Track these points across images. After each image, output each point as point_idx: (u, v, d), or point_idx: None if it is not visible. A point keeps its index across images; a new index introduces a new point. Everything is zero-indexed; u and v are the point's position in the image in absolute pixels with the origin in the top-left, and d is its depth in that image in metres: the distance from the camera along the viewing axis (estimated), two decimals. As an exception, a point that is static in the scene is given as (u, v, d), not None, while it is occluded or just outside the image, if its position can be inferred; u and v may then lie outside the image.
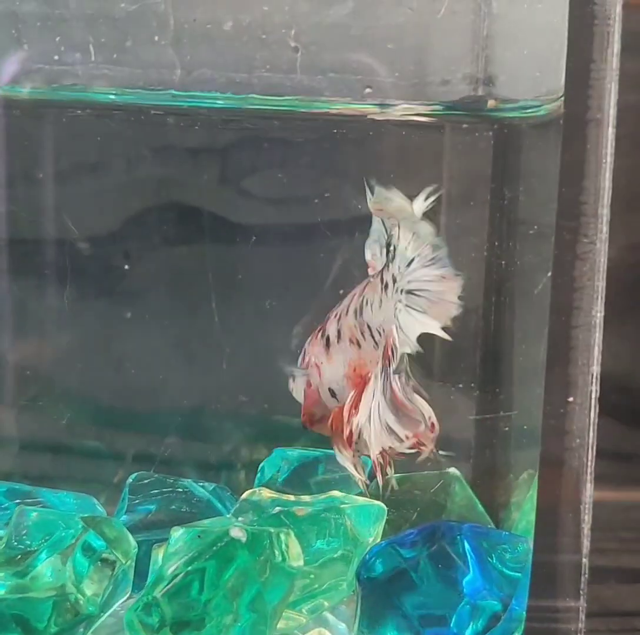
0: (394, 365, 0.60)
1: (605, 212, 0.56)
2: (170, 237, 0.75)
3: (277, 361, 0.66)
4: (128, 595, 0.63)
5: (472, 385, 0.74)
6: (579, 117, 0.55)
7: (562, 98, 0.56)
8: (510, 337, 0.74)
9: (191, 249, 0.76)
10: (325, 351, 0.64)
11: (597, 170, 0.55)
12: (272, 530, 0.60)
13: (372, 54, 0.67)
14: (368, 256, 0.63)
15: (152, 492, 0.69)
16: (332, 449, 0.65)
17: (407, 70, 0.67)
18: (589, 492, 0.58)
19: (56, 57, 0.68)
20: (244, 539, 0.59)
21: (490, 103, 0.69)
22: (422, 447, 0.61)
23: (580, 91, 0.55)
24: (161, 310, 0.77)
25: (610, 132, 0.55)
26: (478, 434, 0.75)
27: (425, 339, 0.73)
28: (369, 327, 0.62)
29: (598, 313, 0.57)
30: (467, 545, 0.61)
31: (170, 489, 0.69)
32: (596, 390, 0.57)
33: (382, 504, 0.65)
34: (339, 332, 0.64)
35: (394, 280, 0.59)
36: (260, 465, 0.72)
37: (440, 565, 0.60)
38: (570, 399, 0.57)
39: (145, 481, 0.69)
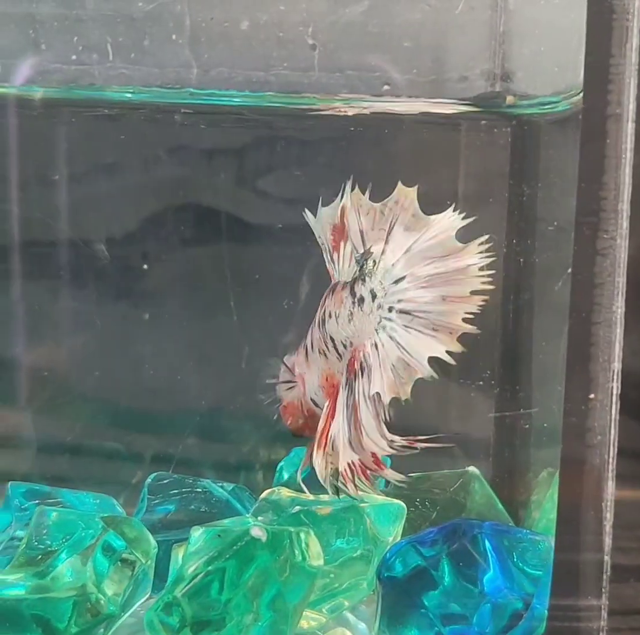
0: (361, 381, 0.58)
1: (625, 207, 0.56)
2: (189, 236, 0.76)
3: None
4: (148, 595, 0.63)
5: (492, 383, 0.74)
6: (599, 112, 0.55)
7: (581, 93, 0.56)
8: (530, 334, 0.73)
9: (209, 249, 0.76)
10: (305, 360, 0.64)
11: (617, 166, 0.55)
12: (292, 529, 0.60)
13: (389, 50, 0.67)
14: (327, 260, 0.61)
15: (171, 492, 0.69)
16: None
17: (424, 66, 0.67)
18: (610, 489, 0.58)
19: (74, 57, 0.68)
20: (264, 539, 0.59)
21: (509, 99, 0.69)
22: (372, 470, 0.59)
23: (600, 86, 0.55)
24: (179, 310, 0.77)
25: (630, 127, 0.55)
26: (498, 432, 0.75)
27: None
28: (332, 339, 0.60)
29: (618, 309, 0.56)
30: (488, 544, 0.60)
31: (189, 489, 0.69)
32: (617, 387, 0.57)
33: (402, 503, 0.65)
34: (312, 341, 0.63)
35: (374, 296, 0.57)
36: (279, 465, 0.72)
37: (461, 564, 0.60)
38: (591, 396, 0.57)
39: (165, 481, 0.69)
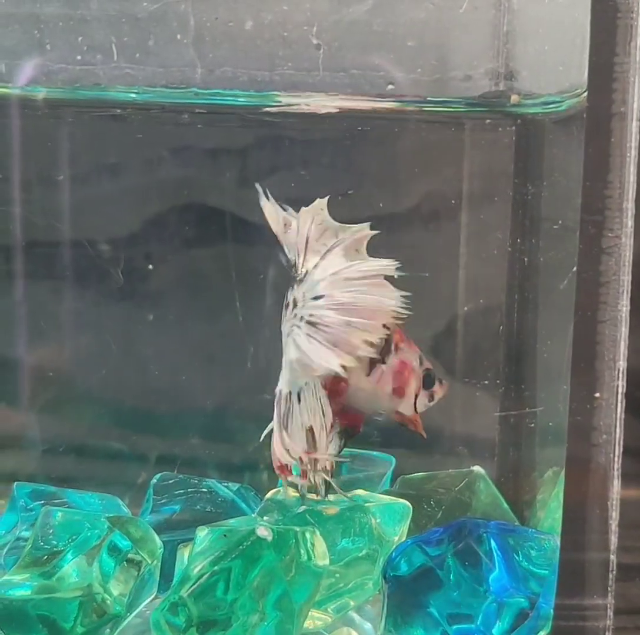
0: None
1: (630, 205, 0.56)
2: (193, 237, 0.76)
3: None
4: (154, 595, 0.63)
5: (497, 382, 0.74)
6: (603, 111, 0.55)
7: (586, 92, 0.56)
8: (535, 333, 0.73)
9: (215, 249, 0.76)
10: None
11: (622, 164, 0.55)
12: (297, 529, 0.60)
13: (394, 50, 0.67)
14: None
15: (176, 492, 0.68)
16: (355, 447, 0.65)
17: (428, 65, 0.67)
18: (616, 488, 0.58)
19: (78, 57, 0.68)
20: (269, 538, 0.59)
21: (513, 98, 0.69)
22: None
23: (604, 85, 0.55)
24: (184, 310, 0.77)
25: (635, 125, 0.55)
26: (503, 431, 0.75)
27: (448, 336, 0.73)
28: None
29: (624, 307, 0.56)
30: (493, 543, 0.60)
31: (194, 489, 0.69)
32: (623, 386, 0.57)
33: (408, 503, 0.65)
34: None
35: (295, 304, 0.59)
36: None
37: (466, 563, 0.60)
38: (597, 394, 0.57)
39: (170, 481, 0.69)
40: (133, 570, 0.61)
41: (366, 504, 0.64)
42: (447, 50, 0.68)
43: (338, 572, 0.62)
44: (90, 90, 0.69)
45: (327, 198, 0.59)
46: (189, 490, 0.68)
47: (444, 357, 0.71)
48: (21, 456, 0.78)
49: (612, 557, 0.58)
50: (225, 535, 0.59)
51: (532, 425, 0.73)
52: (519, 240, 0.72)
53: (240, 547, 0.59)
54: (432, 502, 0.68)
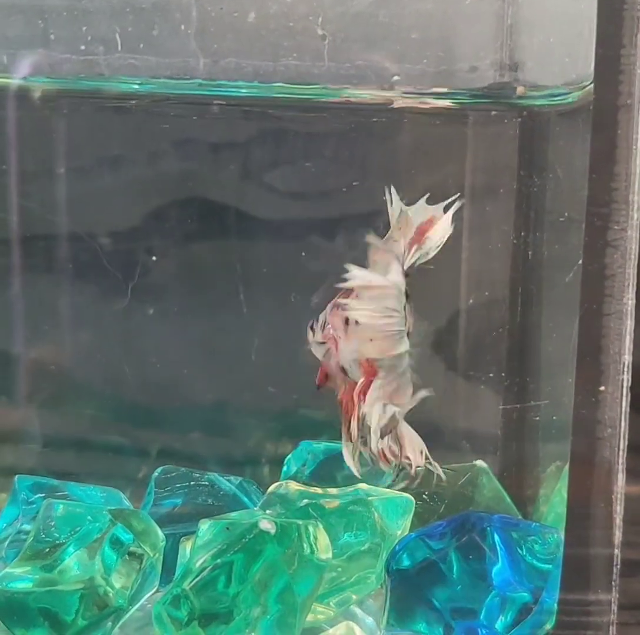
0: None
1: (636, 198, 0.55)
2: (195, 230, 0.75)
3: (303, 355, 0.66)
4: (156, 588, 0.63)
5: (502, 375, 0.74)
6: (609, 103, 0.55)
7: (592, 84, 0.55)
8: (540, 326, 0.73)
9: (219, 242, 0.76)
10: (343, 327, 0.64)
11: (628, 156, 0.55)
12: (300, 522, 0.60)
13: (399, 41, 0.67)
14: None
15: (178, 485, 0.68)
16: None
17: (434, 57, 0.67)
18: (620, 482, 0.58)
19: (82, 48, 0.68)
20: (273, 531, 0.59)
21: (519, 90, 0.68)
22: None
23: (610, 77, 0.55)
24: (186, 303, 0.77)
25: (641, 117, 0.55)
26: (506, 425, 0.75)
27: (452, 329, 0.73)
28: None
29: (629, 301, 0.56)
30: (496, 537, 0.60)
31: (196, 483, 0.68)
32: (628, 380, 0.57)
33: (410, 497, 0.65)
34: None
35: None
36: (287, 458, 0.72)
37: (470, 557, 0.60)
38: (602, 388, 0.57)
39: (171, 475, 0.69)
40: (135, 563, 0.61)
41: (369, 498, 0.64)
42: (453, 42, 0.67)
43: (340, 566, 0.62)
44: (94, 81, 0.69)
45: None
46: (191, 483, 0.68)
47: (448, 350, 0.71)
48: (22, 450, 0.78)
49: (616, 552, 0.58)
50: (227, 528, 0.59)
51: (536, 419, 0.73)
52: (523, 233, 0.72)
53: (243, 540, 0.59)
54: (434, 496, 0.68)
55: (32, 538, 0.61)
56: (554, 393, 0.71)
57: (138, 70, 0.68)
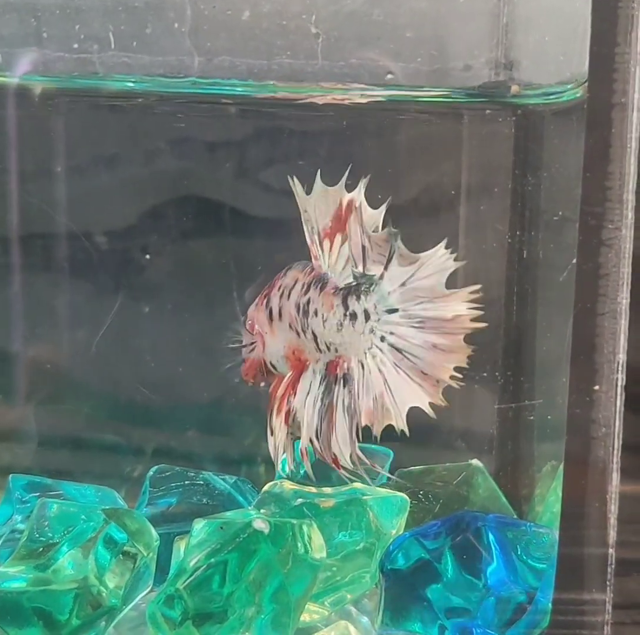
0: (342, 389, 0.59)
1: (630, 197, 0.55)
2: (190, 228, 0.75)
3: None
4: (150, 588, 0.63)
5: (496, 374, 0.74)
6: (604, 101, 0.55)
7: (586, 83, 0.55)
8: (534, 325, 0.73)
9: (214, 240, 0.76)
10: (268, 322, 0.64)
11: (622, 155, 0.55)
12: (294, 521, 0.60)
13: (393, 39, 0.67)
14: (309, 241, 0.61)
15: (172, 484, 0.68)
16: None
17: (428, 55, 0.67)
18: (615, 481, 0.58)
19: (75, 46, 0.68)
20: (266, 531, 0.59)
21: (514, 89, 0.68)
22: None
23: (605, 75, 0.55)
24: (181, 301, 0.77)
25: (635, 116, 0.55)
26: (501, 424, 0.75)
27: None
28: (314, 333, 0.61)
29: (623, 300, 0.56)
30: (491, 536, 0.60)
31: (190, 482, 0.68)
32: (622, 379, 0.57)
33: (405, 496, 0.65)
34: (280, 310, 0.63)
35: (366, 317, 0.58)
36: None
37: (464, 557, 0.60)
38: (596, 387, 0.56)
39: (166, 474, 0.69)
40: (129, 563, 0.61)
41: (363, 497, 0.64)
42: (447, 40, 0.67)
43: (335, 566, 0.62)
44: (88, 79, 0.69)
45: (384, 208, 0.58)
46: (186, 482, 0.68)
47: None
48: (16, 449, 0.78)
49: (611, 551, 0.58)
50: (221, 528, 0.59)
51: (531, 418, 0.73)
52: (518, 232, 0.72)
53: (237, 539, 0.59)
54: (429, 496, 0.68)
55: (26, 537, 0.61)
56: (548, 392, 0.71)
57: (132, 68, 0.68)
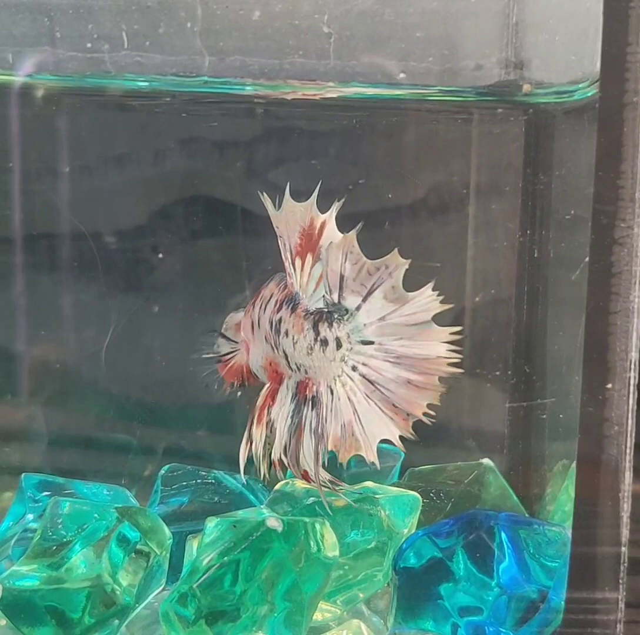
0: (309, 411, 0.59)
1: (643, 196, 0.55)
2: (200, 227, 0.75)
3: None
4: (162, 586, 0.63)
5: (508, 373, 0.74)
6: (615, 100, 0.55)
7: (598, 82, 0.55)
8: (546, 324, 0.73)
9: (224, 239, 0.76)
10: (251, 331, 0.64)
11: (634, 154, 0.55)
12: (307, 520, 0.60)
13: (404, 39, 0.67)
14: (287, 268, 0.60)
15: (184, 483, 0.68)
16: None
17: (439, 55, 0.67)
18: (627, 480, 0.58)
19: (88, 45, 0.68)
20: (279, 529, 0.59)
21: (525, 88, 0.68)
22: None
23: (616, 75, 0.55)
24: (192, 301, 0.77)
25: (648, 115, 0.55)
26: (513, 423, 0.75)
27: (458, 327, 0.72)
28: (285, 353, 0.60)
29: (636, 298, 0.56)
30: (504, 535, 0.60)
31: (202, 480, 0.68)
32: (635, 377, 0.57)
33: (417, 495, 0.65)
34: (258, 321, 0.63)
35: (338, 344, 0.57)
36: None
37: (477, 555, 0.60)
38: (609, 386, 0.56)
39: (178, 473, 0.69)
40: (142, 561, 0.61)
41: (376, 496, 0.64)
42: (458, 40, 0.67)
43: (347, 564, 0.62)
44: (100, 79, 0.69)
45: (355, 232, 0.56)
46: (197, 481, 0.68)
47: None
48: (28, 449, 0.78)
49: (624, 550, 0.58)
50: (234, 526, 0.59)
51: (543, 417, 0.73)
52: (529, 231, 0.72)
53: (250, 538, 0.59)
54: (441, 495, 0.68)
55: (38, 536, 0.61)
56: (560, 391, 0.71)
57: (144, 67, 0.68)
